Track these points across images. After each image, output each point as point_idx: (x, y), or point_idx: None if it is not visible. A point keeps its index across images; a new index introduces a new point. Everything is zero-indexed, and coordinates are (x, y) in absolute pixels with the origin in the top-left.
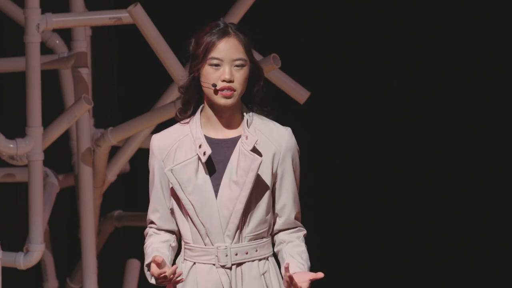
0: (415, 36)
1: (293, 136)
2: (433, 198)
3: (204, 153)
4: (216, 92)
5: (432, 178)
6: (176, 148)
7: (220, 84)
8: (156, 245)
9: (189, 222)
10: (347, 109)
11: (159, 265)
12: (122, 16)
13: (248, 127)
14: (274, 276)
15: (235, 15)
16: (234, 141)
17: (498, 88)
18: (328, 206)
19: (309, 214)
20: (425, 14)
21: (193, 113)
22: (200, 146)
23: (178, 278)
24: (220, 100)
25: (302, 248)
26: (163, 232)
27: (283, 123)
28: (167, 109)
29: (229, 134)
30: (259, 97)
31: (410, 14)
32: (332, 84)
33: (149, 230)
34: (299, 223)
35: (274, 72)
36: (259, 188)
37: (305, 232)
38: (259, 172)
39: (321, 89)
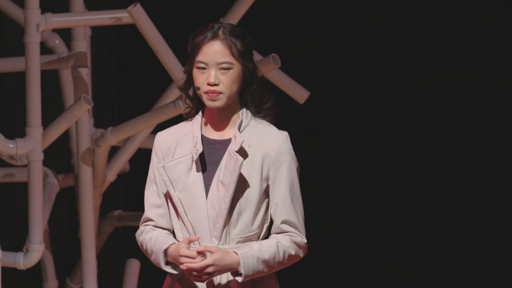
0: (416, 36)
1: (288, 140)
2: (433, 198)
3: (197, 152)
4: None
5: (432, 178)
6: (176, 146)
7: (205, 88)
8: (166, 235)
9: (179, 220)
10: (347, 109)
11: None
12: (122, 16)
13: (241, 129)
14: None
15: (235, 15)
16: (228, 142)
17: (498, 88)
18: (328, 206)
19: (308, 214)
20: (426, 14)
21: (196, 112)
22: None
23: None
24: (207, 102)
25: (271, 242)
26: (160, 229)
27: (282, 123)
28: (167, 109)
29: (225, 135)
30: (252, 99)
31: (411, 14)
32: (332, 84)
33: (145, 228)
34: (292, 229)
35: (274, 72)
36: (245, 190)
37: (300, 239)
38: (246, 174)
39: (321, 89)
